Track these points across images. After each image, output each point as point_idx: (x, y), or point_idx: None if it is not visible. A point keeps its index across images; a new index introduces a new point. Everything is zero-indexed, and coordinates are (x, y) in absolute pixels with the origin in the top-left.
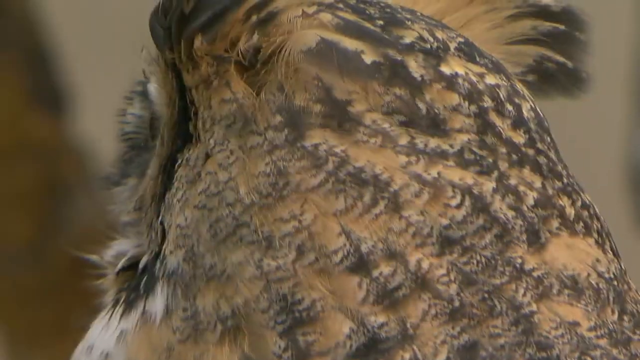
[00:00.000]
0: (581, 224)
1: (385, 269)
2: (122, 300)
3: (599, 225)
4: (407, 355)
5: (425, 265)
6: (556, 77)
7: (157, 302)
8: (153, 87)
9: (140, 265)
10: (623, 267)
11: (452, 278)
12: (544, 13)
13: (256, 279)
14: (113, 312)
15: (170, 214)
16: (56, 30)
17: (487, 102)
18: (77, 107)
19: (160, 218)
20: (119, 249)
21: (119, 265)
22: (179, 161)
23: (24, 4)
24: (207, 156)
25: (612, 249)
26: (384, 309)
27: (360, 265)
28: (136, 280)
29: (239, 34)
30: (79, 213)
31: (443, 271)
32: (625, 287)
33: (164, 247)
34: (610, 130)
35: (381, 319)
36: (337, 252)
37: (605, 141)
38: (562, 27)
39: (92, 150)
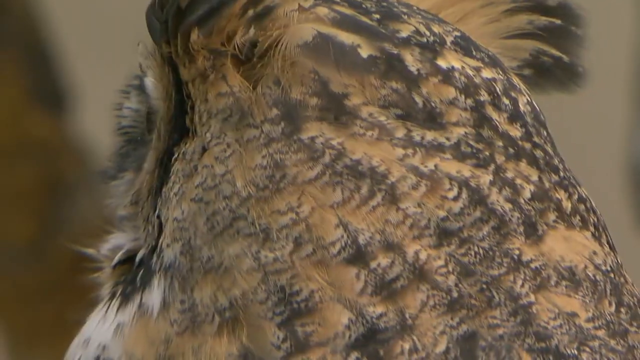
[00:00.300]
0: (578, 217)
1: (383, 260)
2: (118, 294)
3: (596, 219)
4: (406, 345)
5: (423, 256)
6: (552, 72)
7: (154, 295)
8: (149, 81)
9: (137, 259)
10: (619, 260)
11: (450, 269)
12: (540, 8)
13: (254, 270)
14: (110, 305)
15: (167, 208)
16: (57, 29)
17: (484, 96)
18: (77, 106)
19: (157, 212)
20: (116, 242)
21: (116, 259)
22: (176, 155)
23: (24, 2)
24: (204, 149)
25: (608, 242)
26: (383, 299)
27: (358, 256)
28: (133, 273)
29: (235, 28)
30: (79, 212)
31: (441, 262)
32: (622, 279)
33: (160, 240)
34: (610, 130)
35: (380, 309)
36: (335, 244)
37: (605, 140)
38: (558, 21)
39: (93, 150)
